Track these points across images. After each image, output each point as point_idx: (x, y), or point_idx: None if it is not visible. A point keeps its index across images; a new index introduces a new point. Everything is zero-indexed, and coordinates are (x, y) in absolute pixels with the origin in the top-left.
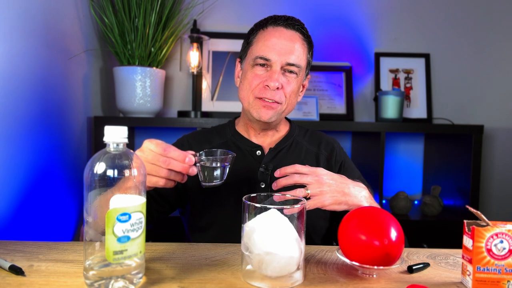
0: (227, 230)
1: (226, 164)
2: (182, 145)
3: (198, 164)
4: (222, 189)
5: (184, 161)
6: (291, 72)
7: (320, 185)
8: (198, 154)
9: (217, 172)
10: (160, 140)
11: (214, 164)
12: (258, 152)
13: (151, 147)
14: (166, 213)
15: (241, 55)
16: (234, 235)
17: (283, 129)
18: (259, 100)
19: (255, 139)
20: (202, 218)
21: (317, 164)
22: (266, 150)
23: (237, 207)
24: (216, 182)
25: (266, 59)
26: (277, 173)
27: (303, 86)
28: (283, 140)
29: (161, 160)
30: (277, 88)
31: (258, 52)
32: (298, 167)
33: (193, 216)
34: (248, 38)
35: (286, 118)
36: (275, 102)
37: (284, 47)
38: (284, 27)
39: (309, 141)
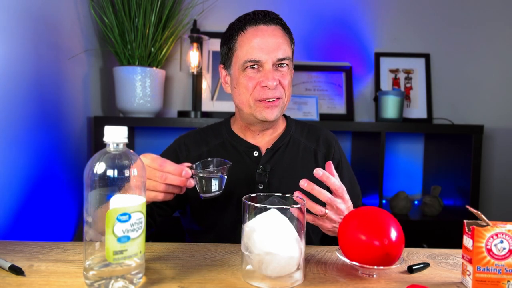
0: (227, 232)
1: (223, 174)
2: (179, 147)
3: (195, 176)
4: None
5: (181, 175)
6: (282, 65)
7: (336, 214)
8: (194, 166)
9: (215, 183)
10: (155, 155)
11: (211, 176)
12: (255, 153)
13: (146, 162)
14: (168, 216)
15: (224, 61)
16: (234, 237)
17: (281, 126)
18: (260, 102)
19: (252, 139)
20: (201, 221)
21: (315, 161)
22: (263, 150)
23: (236, 209)
24: (215, 193)
25: (256, 61)
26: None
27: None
28: (279, 139)
29: (158, 175)
30: (275, 85)
31: (246, 56)
32: (339, 187)
33: (192, 219)
34: (228, 43)
35: (283, 115)
36: (276, 98)
37: (270, 45)
38: (264, 24)
39: (307, 137)
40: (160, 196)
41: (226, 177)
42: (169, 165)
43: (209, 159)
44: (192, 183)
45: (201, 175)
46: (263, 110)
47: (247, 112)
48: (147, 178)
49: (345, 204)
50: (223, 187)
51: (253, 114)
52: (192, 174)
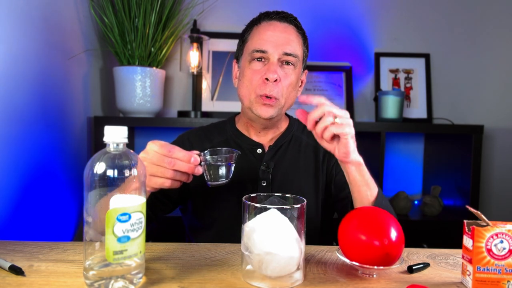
0: (229, 228)
1: (231, 162)
2: (182, 143)
3: (203, 164)
4: (224, 187)
5: (190, 161)
6: (288, 63)
7: (347, 118)
8: (203, 154)
9: (223, 171)
10: (164, 141)
11: (219, 163)
12: (259, 150)
13: (155, 149)
14: (170, 211)
15: (237, 55)
16: (235, 234)
17: (283, 125)
18: (259, 98)
19: (256, 137)
20: (204, 216)
21: (315, 157)
22: (267, 148)
23: (239, 206)
24: (222, 181)
25: (262, 51)
26: (300, 109)
27: (302, 82)
28: (282, 137)
29: (166, 161)
30: (275, 80)
31: (254, 46)
32: (323, 100)
33: (194, 215)
34: (242, 36)
35: (286, 114)
36: (274, 98)
37: (279, 39)
38: (278, 21)
39: (309, 135)
40: (167, 183)
41: (234, 166)
42: (178, 151)
43: (217, 148)
44: (200, 170)
45: (209, 162)
46: (260, 107)
47: (247, 105)
48: (155, 164)
49: (335, 108)
50: (231, 176)
51: (251, 108)
52: (201, 161)
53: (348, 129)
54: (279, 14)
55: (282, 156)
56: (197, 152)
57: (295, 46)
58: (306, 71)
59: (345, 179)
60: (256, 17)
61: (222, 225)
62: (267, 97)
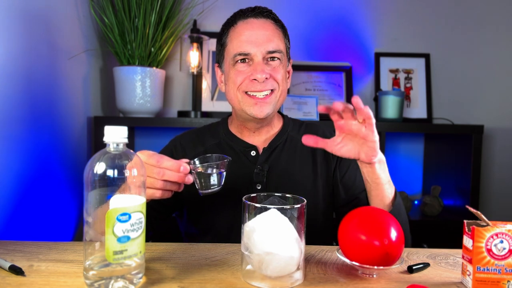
0: (225, 234)
1: (222, 170)
2: (175, 148)
3: (193, 172)
4: (218, 192)
5: (179, 171)
6: (273, 59)
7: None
8: (192, 162)
9: (214, 179)
10: (152, 151)
11: (209, 171)
12: (253, 153)
13: (143, 159)
14: (165, 219)
15: (218, 59)
16: (231, 240)
17: (277, 125)
18: (248, 97)
19: (249, 138)
20: (199, 223)
21: (313, 159)
22: (261, 150)
23: (234, 211)
24: (214, 189)
25: (245, 54)
26: (354, 100)
27: (288, 73)
28: (276, 138)
29: (155, 172)
30: (266, 78)
31: (235, 50)
32: (368, 109)
33: (189, 221)
34: (220, 40)
35: (280, 113)
36: (268, 92)
37: (260, 37)
38: (254, 17)
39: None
40: (158, 194)
41: (225, 172)
42: (167, 161)
43: (207, 155)
44: (190, 179)
45: (199, 170)
46: (252, 107)
47: (238, 108)
48: None
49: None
50: (223, 183)
51: (243, 109)
52: (191, 170)
53: (376, 136)
54: (254, 11)
55: (277, 158)
56: (187, 160)
57: (276, 41)
58: (291, 60)
59: (353, 180)
60: (231, 17)
61: (218, 231)
62: (258, 94)
